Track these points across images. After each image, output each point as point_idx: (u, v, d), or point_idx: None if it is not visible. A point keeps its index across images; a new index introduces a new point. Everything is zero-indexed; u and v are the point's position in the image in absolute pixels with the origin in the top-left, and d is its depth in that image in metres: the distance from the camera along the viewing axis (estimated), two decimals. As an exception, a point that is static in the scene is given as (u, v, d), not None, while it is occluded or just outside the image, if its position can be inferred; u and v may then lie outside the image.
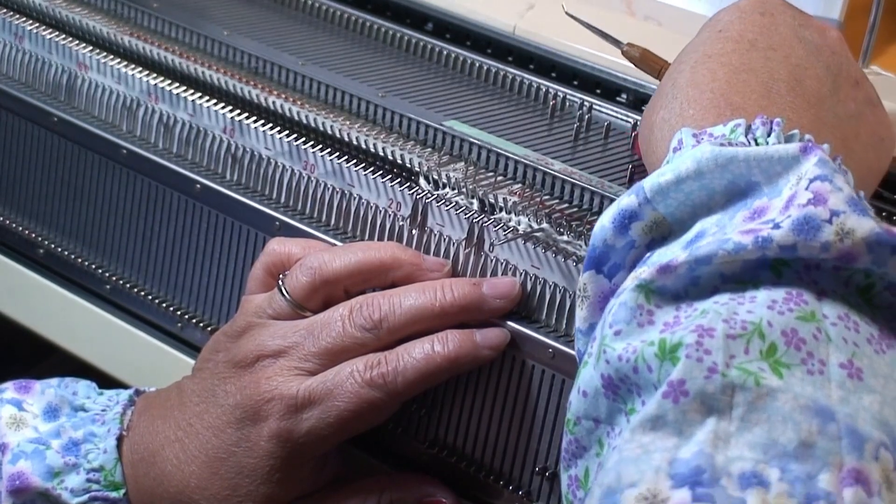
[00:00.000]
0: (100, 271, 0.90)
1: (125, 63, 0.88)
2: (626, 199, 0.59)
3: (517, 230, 0.72)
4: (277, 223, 0.80)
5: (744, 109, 0.62)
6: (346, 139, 0.79)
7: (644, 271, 0.56)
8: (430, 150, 0.78)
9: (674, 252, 0.56)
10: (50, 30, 0.92)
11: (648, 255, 0.58)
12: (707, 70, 0.64)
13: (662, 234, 0.59)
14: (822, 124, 0.63)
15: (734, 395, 0.51)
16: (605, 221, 0.59)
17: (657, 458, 0.51)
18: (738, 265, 0.54)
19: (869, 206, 0.58)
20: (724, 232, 0.56)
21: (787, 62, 0.65)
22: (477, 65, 0.89)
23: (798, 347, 0.52)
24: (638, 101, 0.86)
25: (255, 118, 0.83)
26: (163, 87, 0.86)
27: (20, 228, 0.93)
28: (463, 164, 0.77)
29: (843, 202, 0.54)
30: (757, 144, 0.58)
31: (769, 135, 0.59)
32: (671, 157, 0.60)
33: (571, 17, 0.82)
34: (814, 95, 0.64)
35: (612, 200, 0.73)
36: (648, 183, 0.58)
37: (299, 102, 0.82)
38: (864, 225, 0.54)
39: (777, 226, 0.54)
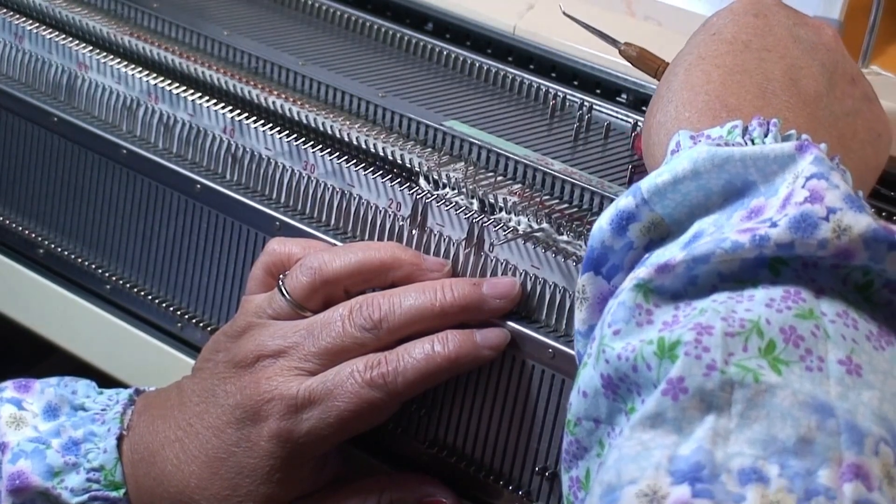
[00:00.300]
0: (100, 271, 0.90)
1: (125, 63, 0.88)
2: (624, 201, 0.59)
3: (517, 230, 0.72)
4: (277, 223, 0.80)
5: (739, 110, 0.62)
6: (346, 139, 0.79)
7: (642, 271, 0.56)
8: (430, 150, 0.78)
9: (672, 252, 0.56)
10: (50, 30, 0.92)
11: (647, 255, 0.58)
12: (701, 72, 0.64)
13: (661, 234, 0.59)
14: (819, 123, 0.63)
15: (733, 392, 0.51)
16: (602, 223, 0.59)
17: (657, 454, 0.51)
18: (736, 264, 0.55)
19: (866, 204, 0.58)
20: (721, 231, 0.56)
21: (781, 62, 0.65)
22: (477, 65, 0.89)
23: (796, 344, 0.52)
24: (638, 101, 0.86)
25: (255, 118, 0.83)
26: (163, 87, 0.86)
27: (20, 228, 0.93)
28: (463, 164, 0.77)
29: (839, 199, 0.54)
30: (754, 144, 0.58)
31: (766, 135, 0.59)
32: (669, 159, 0.60)
33: (569, 17, 0.82)
34: (810, 94, 0.64)
35: (611, 200, 0.73)
36: (645, 184, 0.58)
37: (299, 102, 0.82)
38: (861, 221, 0.54)
39: (774, 224, 0.54)
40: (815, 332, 0.53)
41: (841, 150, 0.62)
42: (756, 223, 0.55)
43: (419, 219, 0.75)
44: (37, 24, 0.93)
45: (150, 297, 0.87)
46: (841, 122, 0.65)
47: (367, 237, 0.78)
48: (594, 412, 0.56)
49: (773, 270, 0.55)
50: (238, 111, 0.83)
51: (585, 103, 0.84)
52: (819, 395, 0.51)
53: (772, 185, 0.56)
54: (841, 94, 0.66)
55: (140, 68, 0.88)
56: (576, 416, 0.57)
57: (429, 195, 0.75)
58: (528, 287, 0.72)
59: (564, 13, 0.82)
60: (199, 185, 0.83)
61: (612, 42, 0.80)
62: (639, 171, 0.76)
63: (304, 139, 0.81)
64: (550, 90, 0.86)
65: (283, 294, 0.74)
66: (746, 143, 0.59)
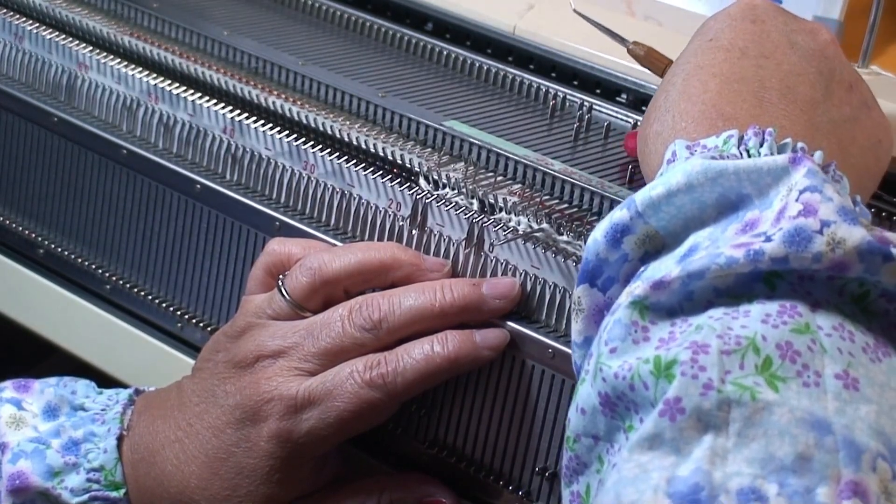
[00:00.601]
0: (100, 271, 0.90)
1: (125, 63, 0.88)
2: (618, 213, 0.59)
3: (517, 230, 0.72)
4: (277, 223, 0.80)
5: (736, 119, 0.62)
6: (346, 139, 0.79)
7: (638, 287, 0.56)
8: (430, 150, 0.78)
9: (667, 266, 0.56)
10: (50, 30, 0.92)
11: (642, 268, 0.58)
12: (698, 81, 0.64)
13: (656, 247, 0.59)
14: (816, 130, 0.63)
15: (730, 411, 0.51)
16: (597, 235, 0.59)
17: (655, 477, 0.51)
18: (731, 279, 0.54)
19: (866, 211, 0.58)
20: (716, 246, 0.56)
21: (778, 69, 0.65)
22: (477, 65, 0.89)
23: (793, 360, 0.52)
24: (638, 101, 0.86)
25: (255, 118, 0.83)
26: (163, 87, 0.86)
27: (20, 228, 0.93)
28: (463, 164, 0.77)
29: (833, 212, 0.54)
30: (749, 155, 0.58)
31: (762, 145, 0.59)
32: (665, 168, 0.60)
33: (579, 14, 0.82)
34: (807, 101, 0.64)
35: (611, 200, 0.73)
36: (640, 197, 0.58)
37: (299, 102, 0.82)
38: (855, 234, 0.54)
39: (769, 238, 0.54)
40: (812, 347, 0.52)
41: (839, 156, 0.62)
42: (750, 237, 0.55)
43: (419, 219, 0.75)
44: (37, 24, 0.93)
45: (150, 297, 0.87)
46: (839, 129, 0.65)
47: (367, 237, 0.78)
48: (592, 429, 0.56)
49: (769, 284, 0.55)
50: (238, 111, 0.83)
51: (585, 103, 0.84)
52: (816, 411, 0.51)
53: (766, 198, 0.56)
54: (839, 101, 0.66)
55: (140, 68, 0.88)
56: (575, 433, 0.57)
57: (429, 195, 0.75)
58: (528, 287, 0.72)
59: (574, 10, 0.82)
60: (199, 185, 0.83)
61: (621, 40, 0.80)
62: (638, 171, 0.76)
63: (304, 139, 0.81)
64: (550, 90, 0.86)
65: (282, 294, 0.74)
66: (742, 154, 0.58)
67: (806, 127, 0.63)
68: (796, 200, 0.54)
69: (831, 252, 0.53)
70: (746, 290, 0.55)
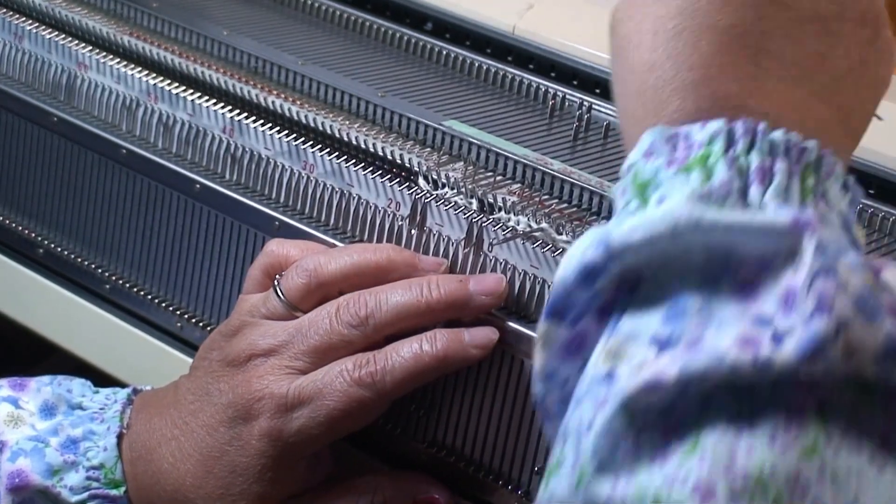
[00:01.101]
0: (100, 271, 0.90)
1: (125, 63, 0.88)
2: (591, 253, 0.52)
3: (516, 230, 0.72)
4: (277, 223, 0.80)
5: (727, 99, 0.54)
6: (346, 139, 0.79)
7: (629, 385, 0.50)
8: (429, 150, 0.78)
9: (652, 327, 0.51)
10: (50, 30, 0.92)
11: (621, 315, 0.52)
12: (691, 35, 0.55)
13: (632, 278, 0.53)
14: (818, 99, 0.56)
15: None
16: (567, 273, 0.53)
17: None
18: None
19: (859, 191, 0.53)
20: (716, 326, 0.50)
21: (785, 17, 0.55)
22: (476, 65, 0.89)
23: (802, 497, 0.48)
24: (638, 100, 0.86)
25: (254, 118, 0.83)
26: (163, 87, 0.86)
27: (20, 228, 0.94)
28: (462, 163, 0.77)
29: (850, 306, 0.49)
30: (738, 162, 0.52)
31: (751, 147, 0.53)
32: (643, 164, 0.54)
33: None
34: (811, 59, 0.56)
35: (611, 200, 0.73)
36: (616, 238, 0.52)
37: (299, 102, 0.82)
38: (874, 336, 0.49)
39: (778, 339, 0.49)
40: (821, 476, 0.48)
41: (839, 126, 0.56)
42: (756, 328, 0.49)
43: (418, 218, 0.75)
44: (37, 24, 0.93)
45: (150, 297, 0.87)
46: (842, 85, 0.57)
47: (366, 237, 0.78)
48: None
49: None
50: (238, 111, 0.83)
51: (585, 103, 0.84)
52: None
53: (766, 262, 0.51)
54: (846, 47, 0.57)
55: (140, 68, 0.88)
56: None
57: (428, 195, 0.75)
58: (528, 287, 0.72)
59: None
60: (198, 185, 0.83)
61: None
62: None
63: (303, 139, 0.81)
64: (550, 90, 0.86)
65: (277, 295, 0.74)
66: (731, 162, 0.52)
67: (806, 96, 0.56)
68: (808, 289, 0.49)
69: (846, 362, 0.49)
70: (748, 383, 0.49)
